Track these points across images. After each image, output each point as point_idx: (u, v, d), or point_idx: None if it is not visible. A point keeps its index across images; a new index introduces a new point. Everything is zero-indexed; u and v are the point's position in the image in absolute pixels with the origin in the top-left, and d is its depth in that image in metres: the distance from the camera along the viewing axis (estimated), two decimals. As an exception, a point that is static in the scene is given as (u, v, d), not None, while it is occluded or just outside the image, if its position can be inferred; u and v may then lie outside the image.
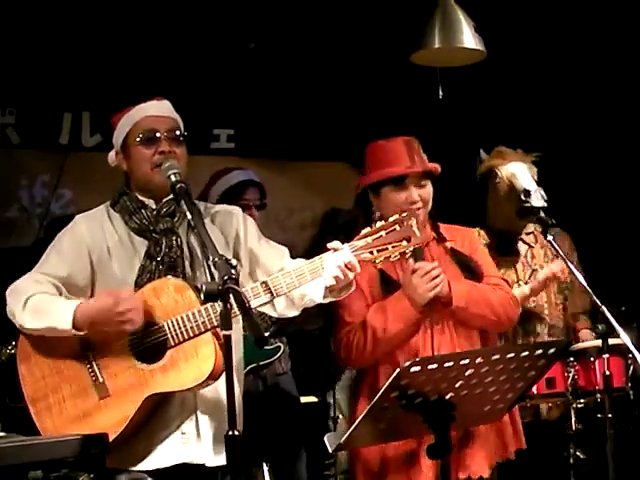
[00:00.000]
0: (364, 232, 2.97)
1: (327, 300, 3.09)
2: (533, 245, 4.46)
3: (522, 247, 4.45)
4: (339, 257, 2.92)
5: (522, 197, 4.22)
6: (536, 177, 4.36)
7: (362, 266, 3.01)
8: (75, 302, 3.00)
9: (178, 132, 3.18)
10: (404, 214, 2.99)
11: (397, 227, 2.95)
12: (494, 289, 3.51)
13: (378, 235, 2.96)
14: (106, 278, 3.11)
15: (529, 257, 4.43)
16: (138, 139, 3.14)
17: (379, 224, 2.97)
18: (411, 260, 3.37)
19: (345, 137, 6.00)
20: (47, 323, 2.99)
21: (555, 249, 4.06)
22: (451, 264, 3.49)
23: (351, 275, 2.95)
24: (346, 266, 2.92)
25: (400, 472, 3.37)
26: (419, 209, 3.44)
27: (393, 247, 2.95)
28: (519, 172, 4.33)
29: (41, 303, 3.02)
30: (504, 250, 4.37)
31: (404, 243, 2.95)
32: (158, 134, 3.13)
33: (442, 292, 3.37)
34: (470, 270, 3.51)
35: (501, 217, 4.38)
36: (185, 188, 2.97)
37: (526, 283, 4.34)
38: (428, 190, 3.50)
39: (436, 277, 3.35)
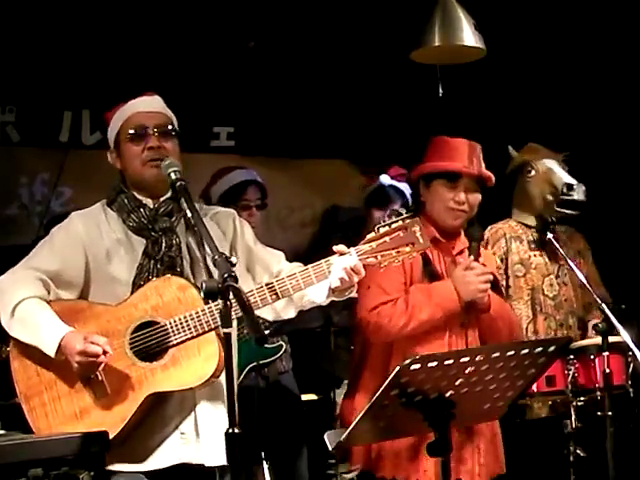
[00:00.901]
0: (369, 237, 3.00)
1: (326, 301, 3.10)
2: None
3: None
4: (346, 260, 2.95)
5: (565, 190, 4.30)
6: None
7: None
8: (63, 330, 2.95)
9: (170, 127, 3.18)
10: (408, 220, 3.01)
11: (401, 233, 2.99)
12: (515, 313, 3.61)
13: (382, 240, 2.99)
14: (103, 277, 3.10)
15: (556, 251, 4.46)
16: (128, 136, 3.14)
17: (383, 230, 3.00)
18: (471, 256, 3.48)
19: (345, 135, 6.00)
20: (32, 340, 2.98)
21: (556, 248, 4.08)
22: None
23: (356, 278, 2.98)
24: (352, 270, 2.94)
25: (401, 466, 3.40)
26: (463, 212, 3.49)
27: (397, 252, 2.98)
28: (555, 167, 4.41)
29: (30, 316, 3.00)
30: (543, 246, 4.40)
31: (407, 248, 2.98)
32: (147, 130, 3.13)
33: (485, 297, 3.47)
34: (495, 288, 3.61)
35: (532, 213, 4.44)
36: (185, 186, 2.97)
37: (557, 276, 4.37)
38: (477, 196, 3.58)
39: (487, 281, 3.44)
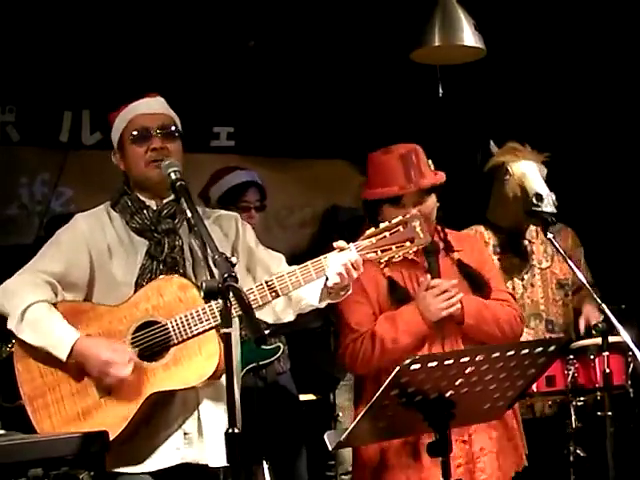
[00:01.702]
0: (369, 232, 2.99)
1: (324, 304, 3.10)
2: (534, 241, 4.46)
3: (522, 242, 4.45)
4: (345, 256, 2.95)
5: (534, 200, 4.21)
6: (545, 177, 4.36)
7: (370, 274, 3.02)
8: (74, 334, 2.98)
9: (173, 128, 3.19)
10: (408, 215, 3.01)
11: (401, 228, 2.98)
12: (502, 305, 3.52)
13: (382, 235, 2.98)
14: (106, 277, 3.11)
15: (529, 252, 4.43)
16: (131, 137, 3.15)
17: (383, 225, 3.00)
18: (428, 275, 3.41)
19: (345, 135, 6.00)
20: (43, 344, 3.00)
21: (555, 247, 4.06)
22: (459, 277, 3.48)
23: (355, 274, 2.97)
24: (352, 265, 2.94)
25: (403, 471, 3.38)
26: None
27: (397, 248, 2.98)
28: (531, 172, 4.32)
29: (39, 319, 3.01)
30: (515, 249, 4.38)
31: (407, 244, 2.98)
32: (150, 131, 3.14)
33: (455, 311, 3.39)
34: (478, 285, 3.51)
35: (506, 215, 4.37)
36: (185, 186, 2.97)
37: (522, 279, 4.35)
38: (429, 204, 3.47)
39: (452, 297, 3.37)
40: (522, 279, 4.36)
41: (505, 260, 4.35)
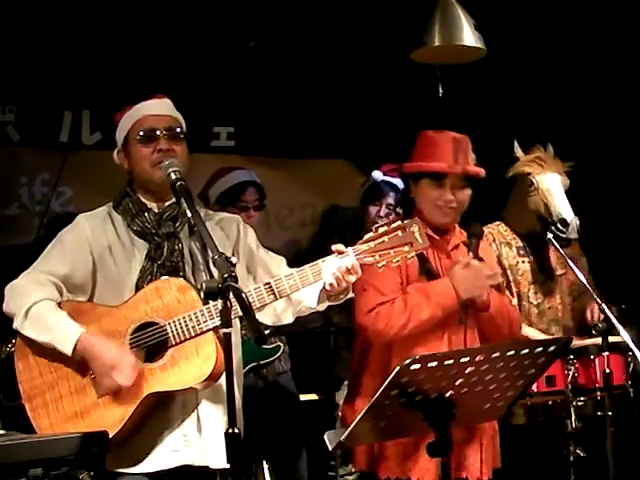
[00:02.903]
0: (367, 236, 3.00)
1: (322, 307, 3.11)
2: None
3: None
4: (341, 260, 2.95)
5: (559, 225, 4.21)
6: (567, 188, 4.37)
7: None
8: (78, 329, 3.00)
9: (178, 130, 3.19)
10: (406, 220, 3.02)
11: (399, 233, 2.99)
12: (514, 308, 3.57)
13: (381, 240, 2.99)
14: (107, 278, 3.12)
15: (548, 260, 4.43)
16: (138, 138, 3.15)
17: (382, 229, 3.00)
18: (470, 253, 3.46)
19: (346, 135, 6.00)
20: (47, 339, 3.01)
21: (556, 247, 4.07)
22: None
23: (352, 278, 2.98)
24: (348, 269, 2.94)
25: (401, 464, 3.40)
26: (452, 209, 3.48)
27: (395, 252, 2.99)
28: (556, 190, 4.31)
29: (44, 316, 3.03)
30: (537, 254, 4.38)
31: (406, 248, 2.99)
32: (157, 132, 3.14)
33: (485, 295, 3.45)
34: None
35: (524, 223, 4.38)
36: (185, 186, 2.97)
37: (542, 285, 4.36)
38: (466, 192, 3.55)
39: (486, 279, 3.43)
40: (542, 284, 4.37)
41: (528, 264, 4.36)
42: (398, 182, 5.00)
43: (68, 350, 2.98)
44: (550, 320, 4.36)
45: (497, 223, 4.42)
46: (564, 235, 4.20)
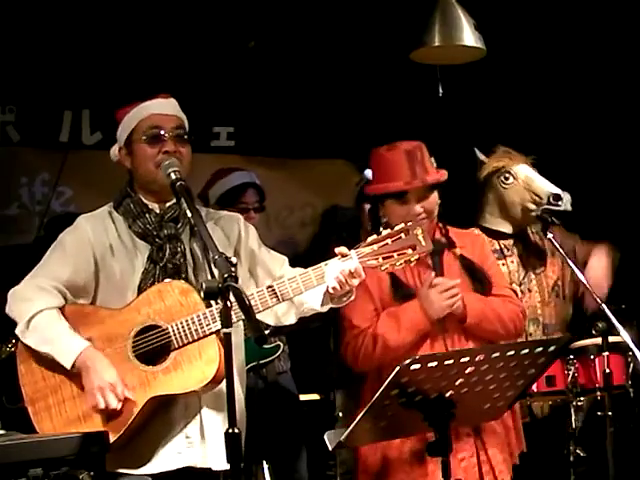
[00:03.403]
0: (370, 239, 3.00)
1: (325, 308, 3.10)
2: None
3: (519, 247, 4.42)
4: (345, 264, 2.95)
5: (551, 200, 4.22)
6: None
7: (372, 270, 3.03)
8: (80, 345, 2.99)
9: (183, 131, 3.17)
10: (410, 223, 3.02)
11: (403, 235, 2.99)
12: (504, 302, 3.54)
13: (384, 243, 2.99)
14: (109, 280, 3.11)
15: (525, 257, 4.41)
16: (144, 137, 3.12)
17: (385, 232, 3.01)
18: (432, 273, 3.43)
19: (346, 135, 6.00)
20: (48, 351, 3.00)
21: (556, 247, 4.07)
22: (461, 273, 3.50)
23: (355, 282, 2.98)
24: (352, 273, 2.94)
25: (405, 472, 3.37)
26: (423, 219, 3.45)
27: (399, 255, 2.99)
28: (534, 174, 4.33)
29: (45, 327, 3.02)
30: (525, 246, 4.38)
31: (409, 251, 2.99)
32: (163, 132, 3.11)
33: (457, 309, 3.41)
34: (479, 280, 3.53)
35: (508, 220, 4.36)
36: (185, 186, 2.96)
37: (520, 284, 4.34)
38: (432, 200, 3.50)
39: (455, 295, 3.38)
40: (520, 284, 4.35)
41: (503, 265, 4.34)
42: None
43: (67, 364, 2.97)
44: (529, 319, 4.33)
45: (471, 229, 4.38)
46: (561, 209, 4.21)
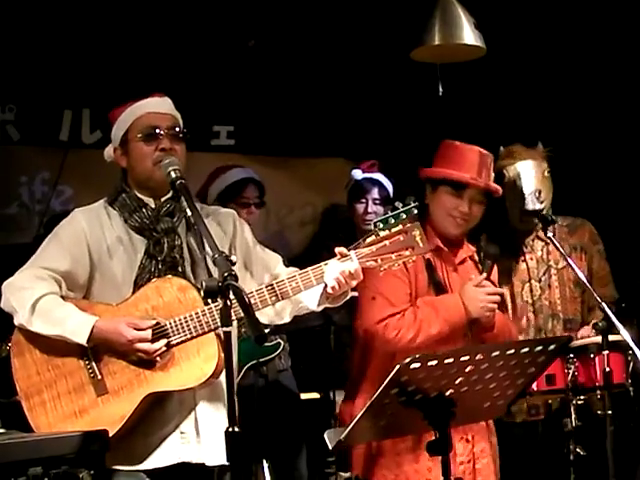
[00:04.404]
0: (369, 240, 3.01)
1: (320, 308, 3.11)
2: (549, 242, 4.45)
3: (538, 244, 4.43)
4: (345, 264, 2.96)
5: (523, 199, 4.24)
6: (547, 173, 4.35)
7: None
8: (91, 318, 2.98)
9: (178, 129, 3.18)
10: (408, 224, 3.02)
11: (401, 237, 3.00)
12: (513, 324, 3.69)
13: (382, 244, 3.00)
14: (105, 275, 3.10)
15: (545, 253, 4.42)
16: (139, 135, 3.13)
17: (383, 233, 3.00)
18: (484, 273, 3.49)
19: (346, 134, 6.00)
20: (59, 332, 2.98)
21: (555, 246, 4.06)
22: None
23: (354, 283, 2.99)
24: (351, 274, 2.95)
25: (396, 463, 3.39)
26: (465, 221, 3.48)
27: (396, 256, 2.99)
28: (525, 172, 4.32)
29: (52, 309, 3.01)
30: (510, 251, 4.37)
31: (407, 252, 2.99)
32: (159, 131, 3.12)
33: (491, 317, 3.49)
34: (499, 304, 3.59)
35: (510, 217, 4.39)
36: (185, 184, 2.97)
37: (539, 280, 4.35)
38: (481, 208, 3.57)
39: (496, 302, 3.45)
40: (539, 281, 4.36)
41: (523, 262, 4.36)
42: (379, 177, 5.14)
43: (83, 340, 2.95)
44: (548, 315, 4.35)
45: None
46: (526, 209, 4.21)
